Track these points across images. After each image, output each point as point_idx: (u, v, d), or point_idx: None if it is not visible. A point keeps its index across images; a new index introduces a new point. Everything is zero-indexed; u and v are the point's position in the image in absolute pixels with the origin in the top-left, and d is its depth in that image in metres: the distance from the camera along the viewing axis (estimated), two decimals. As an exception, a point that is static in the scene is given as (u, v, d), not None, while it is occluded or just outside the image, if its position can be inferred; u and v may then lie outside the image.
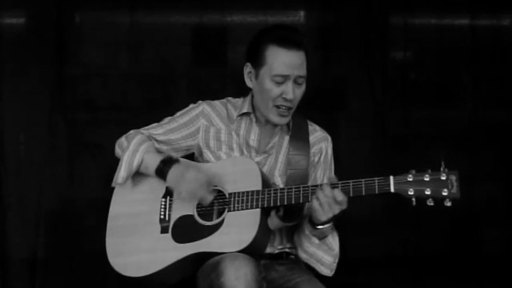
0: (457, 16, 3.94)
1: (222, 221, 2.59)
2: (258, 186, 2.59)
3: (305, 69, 2.67)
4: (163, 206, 2.71)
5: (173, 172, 2.66)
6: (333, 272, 2.70)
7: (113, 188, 2.79)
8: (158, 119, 2.88)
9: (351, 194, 2.49)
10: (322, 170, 2.80)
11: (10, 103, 3.73)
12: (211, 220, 2.62)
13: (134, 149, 2.73)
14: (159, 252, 2.61)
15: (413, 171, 2.46)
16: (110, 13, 3.86)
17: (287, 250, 2.76)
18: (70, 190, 3.76)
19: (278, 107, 2.67)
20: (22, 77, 3.73)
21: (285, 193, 2.56)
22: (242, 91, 2.84)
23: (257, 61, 2.68)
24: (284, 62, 2.63)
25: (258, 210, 2.56)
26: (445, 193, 2.40)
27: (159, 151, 2.80)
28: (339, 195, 2.48)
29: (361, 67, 3.87)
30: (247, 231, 2.53)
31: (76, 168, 3.77)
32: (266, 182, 2.63)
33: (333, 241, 2.68)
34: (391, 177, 2.46)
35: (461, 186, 2.40)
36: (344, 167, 3.69)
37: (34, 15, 3.81)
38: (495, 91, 3.91)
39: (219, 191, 2.66)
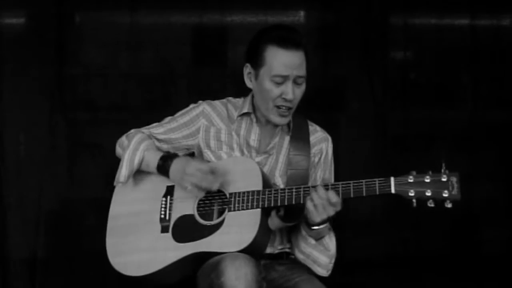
0: (457, 16, 3.94)
1: (223, 221, 2.59)
2: (259, 186, 2.59)
3: (305, 69, 2.66)
4: (163, 206, 2.71)
5: (175, 167, 2.67)
6: (329, 273, 2.70)
7: (113, 188, 2.79)
8: (158, 119, 2.88)
9: (351, 195, 2.49)
10: (322, 170, 2.80)
11: (10, 103, 3.74)
12: (211, 220, 2.62)
13: (135, 148, 2.74)
14: (159, 252, 2.61)
15: (414, 172, 2.46)
16: (110, 13, 3.86)
17: (287, 250, 2.75)
18: (70, 190, 3.77)
19: (278, 107, 2.67)
20: (22, 77, 3.73)
21: (286, 193, 2.56)
22: (242, 91, 2.83)
23: (257, 62, 2.68)
24: (283, 63, 2.62)
25: (259, 210, 2.56)
26: (445, 195, 2.40)
27: (159, 149, 2.81)
28: (333, 196, 2.49)
29: (361, 67, 3.87)
30: (248, 231, 2.52)
31: (76, 168, 3.77)
32: (266, 182, 2.63)
33: (330, 241, 2.67)
34: (392, 178, 2.46)
35: (462, 187, 2.41)
36: (344, 167, 3.71)
37: (34, 15, 3.82)
38: (495, 91, 3.91)
39: (220, 191, 2.66)
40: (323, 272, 2.68)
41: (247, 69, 2.73)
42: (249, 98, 2.80)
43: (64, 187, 3.76)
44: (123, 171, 2.73)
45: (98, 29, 3.82)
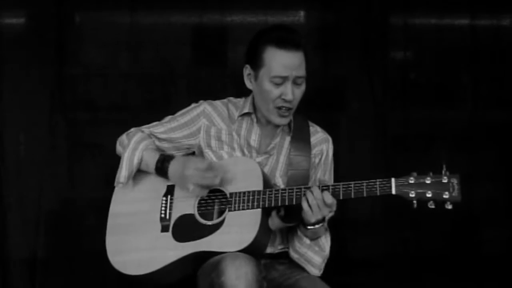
0: (457, 16, 3.93)
1: (223, 221, 2.59)
2: (259, 187, 2.59)
3: (304, 69, 2.67)
4: (163, 205, 2.71)
5: (173, 169, 2.67)
6: (321, 272, 2.71)
7: (113, 188, 2.79)
8: (158, 119, 2.88)
9: (352, 196, 2.50)
10: (322, 171, 2.81)
11: (10, 103, 3.73)
12: (211, 219, 2.62)
13: (134, 147, 2.74)
14: (159, 251, 2.61)
15: (415, 174, 2.46)
16: (110, 13, 3.86)
17: (287, 250, 2.76)
18: (70, 190, 3.77)
19: (278, 108, 2.67)
20: (22, 77, 3.73)
21: (286, 194, 2.57)
22: (242, 91, 2.83)
23: (256, 63, 2.68)
24: (282, 63, 2.62)
25: (259, 210, 2.56)
26: (446, 196, 2.41)
27: (160, 149, 2.81)
28: (328, 198, 2.50)
29: (361, 67, 3.87)
30: (248, 231, 2.53)
31: (76, 168, 3.77)
32: (267, 183, 2.64)
33: (326, 242, 2.69)
34: (393, 179, 2.46)
35: (462, 188, 2.41)
36: (344, 167, 3.72)
37: (34, 15, 3.81)
38: (495, 91, 3.91)
39: (220, 191, 2.66)
40: (316, 271, 2.70)
41: (247, 70, 2.73)
42: (250, 98, 2.80)
43: (64, 187, 3.76)
44: (123, 172, 2.73)
45: (98, 29, 3.82)
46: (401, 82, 3.90)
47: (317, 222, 2.55)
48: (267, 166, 2.76)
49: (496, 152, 3.91)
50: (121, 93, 3.82)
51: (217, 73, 3.88)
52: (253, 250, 2.50)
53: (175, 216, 2.67)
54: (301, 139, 2.78)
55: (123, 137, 2.85)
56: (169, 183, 2.72)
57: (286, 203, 2.56)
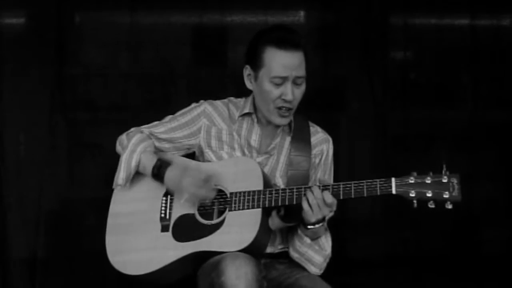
0: (457, 16, 3.93)
1: (223, 221, 2.59)
2: (260, 187, 2.60)
3: (304, 69, 2.67)
4: (163, 205, 2.71)
5: (169, 176, 2.67)
6: (322, 271, 2.72)
7: (113, 188, 2.80)
8: (158, 119, 2.89)
9: (352, 195, 2.50)
10: (322, 171, 2.81)
11: (10, 103, 3.73)
12: (212, 219, 2.63)
13: (132, 149, 2.74)
14: (159, 251, 2.62)
15: (415, 173, 2.47)
16: (110, 13, 3.85)
17: (287, 249, 2.76)
18: (70, 190, 3.76)
19: (279, 108, 2.67)
20: (22, 77, 3.72)
21: (286, 193, 2.57)
22: (242, 91, 2.84)
23: (256, 63, 2.68)
24: (282, 64, 2.63)
25: (259, 210, 2.57)
26: (446, 196, 2.42)
27: (160, 150, 2.81)
28: (328, 197, 2.50)
29: (361, 67, 3.86)
30: (248, 231, 2.53)
31: (76, 168, 3.77)
32: (267, 183, 2.64)
33: (326, 242, 2.69)
34: (393, 179, 2.47)
35: (462, 188, 2.41)
36: (344, 167, 3.72)
37: (34, 15, 3.81)
38: (495, 91, 3.90)
39: (220, 191, 2.66)
40: (316, 271, 2.70)
41: (247, 71, 2.74)
42: (250, 98, 2.81)
43: (64, 187, 3.75)
44: (121, 174, 2.73)
45: (98, 29, 3.82)
46: (401, 82, 3.90)
47: (317, 222, 2.56)
48: (267, 166, 2.76)
49: (496, 152, 3.91)
50: (121, 93, 3.82)
51: (217, 73, 3.87)
52: (253, 250, 2.51)
53: (175, 216, 2.67)
54: (301, 139, 2.78)
55: (123, 137, 2.85)
56: (169, 184, 2.73)
57: (286, 203, 2.57)
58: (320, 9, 3.90)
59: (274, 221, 2.63)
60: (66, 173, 3.75)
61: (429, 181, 2.44)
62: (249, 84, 2.75)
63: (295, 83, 2.65)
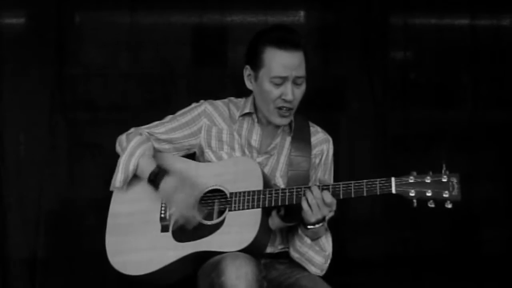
0: (457, 16, 3.93)
1: (223, 221, 2.59)
2: (259, 187, 2.59)
3: (304, 69, 2.67)
4: (163, 205, 2.71)
5: (164, 186, 2.66)
6: (323, 272, 2.71)
7: (110, 190, 2.80)
8: (158, 119, 2.89)
9: (352, 195, 2.50)
10: (322, 171, 2.81)
11: (10, 103, 3.73)
12: (211, 219, 2.63)
13: (131, 153, 2.74)
14: (159, 251, 2.62)
15: (414, 173, 2.47)
16: (110, 13, 3.85)
17: (288, 249, 2.76)
18: (70, 190, 3.76)
19: (279, 108, 2.67)
20: (22, 77, 3.72)
21: (286, 193, 2.57)
22: (242, 91, 2.84)
23: (256, 63, 2.68)
24: (282, 64, 2.63)
25: (259, 210, 2.57)
26: (446, 195, 2.42)
27: (159, 151, 2.81)
28: (328, 197, 2.50)
29: (361, 67, 3.86)
30: (248, 231, 2.53)
31: (76, 168, 3.76)
32: (267, 183, 2.64)
33: (326, 242, 2.69)
34: (393, 179, 2.47)
35: (462, 188, 2.41)
36: (344, 167, 3.72)
37: (34, 15, 3.81)
38: (495, 91, 3.90)
39: (220, 191, 2.66)
40: (317, 271, 2.70)
41: (247, 71, 2.74)
42: (250, 98, 2.81)
43: (64, 187, 3.75)
44: (119, 177, 2.73)
45: (98, 29, 3.81)
46: (401, 82, 3.90)
47: (317, 222, 2.56)
48: (267, 166, 2.76)
49: (496, 152, 3.91)
50: (121, 93, 3.82)
51: (217, 73, 3.87)
52: (253, 250, 2.51)
53: (175, 216, 2.67)
54: (301, 139, 2.78)
55: (123, 137, 2.84)
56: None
57: (286, 203, 2.57)
58: (320, 9, 3.90)
59: (274, 221, 2.63)
60: (66, 173, 3.75)
61: (428, 181, 2.45)
62: (249, 84, 2.75)
63: (295, 83, 2.65)
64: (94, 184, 3.71)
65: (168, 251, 2.60)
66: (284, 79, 2.63)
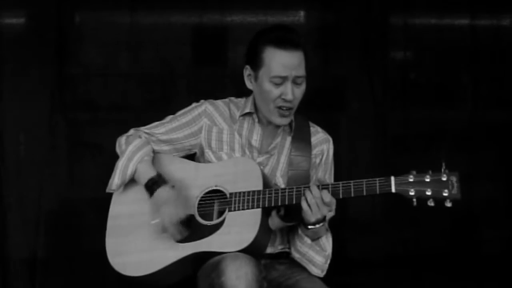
0: (457, 16, 3.93)
1: (223, 221, 2.59)
2: (259, 187, 2.59)
3: (304, 69, 2.67)
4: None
5: (158, 195, 2.66)
6: (324, 273, 2.71)
7: (106, 192, 2.80)
8: (158, 119, 2.88)
9: (352, 194, 2.50)
10: (322, 171, 2.81)
11: (10, 103, 3.73)
12: (211, 220, 2.63)
13: (129, 157, 2.73)
14: (159, 252, 2.62)
15: (414, 172, 2.47)
16: (110, 13, 3.85)
17: (287, 250, 2.76)
18: (70, 190, 3.76)
19: (279, 108, 2.67)
20: (22, 77, 3.72)
21: (286, 193, 2.57)
22: (242, 91, 2.84)
23: (256, 63, 2.68)
24: (282, 63, 2.63)
25: (259, 210, 2.57)
26: (445, 194, 2.42)
27: (159, 153, 2.81)
28: (327, 196, 2.50)
29: (361, 67, 3.86)
30: (248, 231, 2.53)
31: (76, 168, 3.76)
32: (267, 183, 2.64)
33: (327, 242, 2.69)
34: (392, 178, 2.47)
35: (462, 187, 2.41)
36: (344, 167, 3.72)
37: (34, 15, 3.80)
38: (495, 91, 3.91)
39: (220, 191, 2.66)
40: (318, 272, 2.69)
41: (247, 71, 2.74)
42: (251, 98, 2.81)
43: (64, 187, 3.75)
44: (116, 180, 2.73)
45: (98, 29, 3.81)
46: (401, 82, 3.90)
47: (317, 222, 2.56)
48: (268, 166, 2.76)
49: (496, 152, 3.91)
50: (121, 93, 3.82)
51: (217, 73, 3.87)
52: (253, 250, 2.51)
53: (174, 216, 2.67)
54: (302, 139, 2.78)
55: (122, 140, 2.84)
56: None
57: (286, 203, 2.57)
58: (320, 9, 3.90)
59: (274, 221, 2.63)
60: (66, 173, 3.75)
61: (428, 180, 2.45)
62: (249, 84, 2.75)
63: (295, 82, 2.65)
64: (94, 184, 3.70)
65: (168, 252, 2.60)
66: (284, 78, 2.63)
